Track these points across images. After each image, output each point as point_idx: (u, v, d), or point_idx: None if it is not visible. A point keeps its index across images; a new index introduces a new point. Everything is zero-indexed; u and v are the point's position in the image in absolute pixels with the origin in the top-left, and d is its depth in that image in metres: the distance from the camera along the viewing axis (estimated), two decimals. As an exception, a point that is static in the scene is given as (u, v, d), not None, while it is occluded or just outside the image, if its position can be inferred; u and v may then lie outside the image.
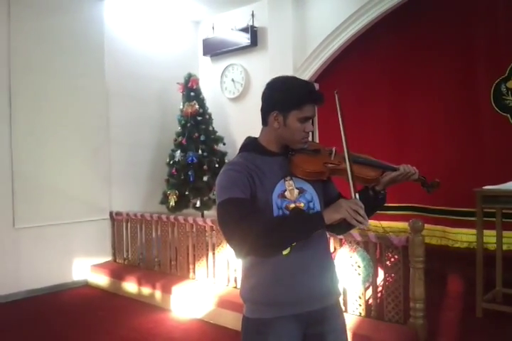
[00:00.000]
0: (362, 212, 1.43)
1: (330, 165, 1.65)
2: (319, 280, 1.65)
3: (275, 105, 1.62)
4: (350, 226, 1.74)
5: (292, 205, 1.61)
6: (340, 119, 1.63)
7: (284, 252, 1.58)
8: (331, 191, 1.79)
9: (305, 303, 1.61)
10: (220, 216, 1.55)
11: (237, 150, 5.00)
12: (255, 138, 1.73)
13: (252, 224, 1.47)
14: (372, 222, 4.71)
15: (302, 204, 1.63)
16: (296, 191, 1.63)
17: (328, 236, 1.80)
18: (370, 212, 1.75)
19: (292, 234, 1.50)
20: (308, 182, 1.66)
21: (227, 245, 1.56)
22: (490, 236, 3.83)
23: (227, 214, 1.53)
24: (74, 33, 5.26)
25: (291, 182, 1.64)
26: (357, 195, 1.51)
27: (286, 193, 1.62)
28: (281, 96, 1.61)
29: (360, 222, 1.43)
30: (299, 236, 1.52)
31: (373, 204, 1.71)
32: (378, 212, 1.82)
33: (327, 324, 1.66)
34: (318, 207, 1.67)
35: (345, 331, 1.74)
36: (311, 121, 1.66)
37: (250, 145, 1.72)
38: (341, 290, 2.64)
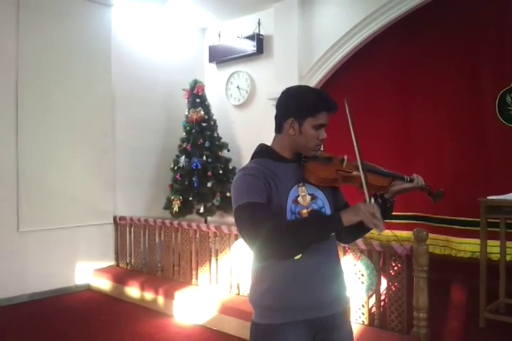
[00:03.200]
0: (378, 215, 1.48)
1: (342, 173, 1.69)
2: (330, 286, 1.67)
3: (291, 112, 1.66)
4: (359, 234, 1.77)
5: (305, 211, 1.64)
6: (351, 127, 1.67)
7: (296, 257, 1.60)
8: (339, 200, 1.82)
9: (316, 309, 1.63)
10: (239, 220, 1.58)
11: (242, 157, 5.03)
12: (268, 145, 1.77)
13: (274, 227, 1.50)
14: (392, 232, 4.74)
15: None
16: (308, 197, 1.67)
17: (336, 243, 1.82)
18: None
19: (312, 235, 1.54)
20: (319, 189, 1.70)
21: (247, 247, 1.58)
22: (493, 247, 3.84)
23: (246, 218, 1.55)
24: (81, 38, 5.31)
25: (303, 188, 1.67)
26: (372, 200, 1.56)
27: (299, 199, 1.65)
28: (297, 103, 1.65)
29: (377, 225, 1.47)
30: (319, 237, 1.56)
31: (382, 212, 1.74)
32: None
33: (336, 330, 1.68)
34: (329, 214, 1.70)
35: (353, 338, 1.76)
36: (324, 129, 1.69)
37: (264, 151, 1.75)
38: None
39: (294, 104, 1.66)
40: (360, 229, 1.58)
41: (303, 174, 1.68)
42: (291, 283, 1.60)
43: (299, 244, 1.54)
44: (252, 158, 1.76)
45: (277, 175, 1.64)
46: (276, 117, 1.74)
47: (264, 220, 1.51)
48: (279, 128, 1.72)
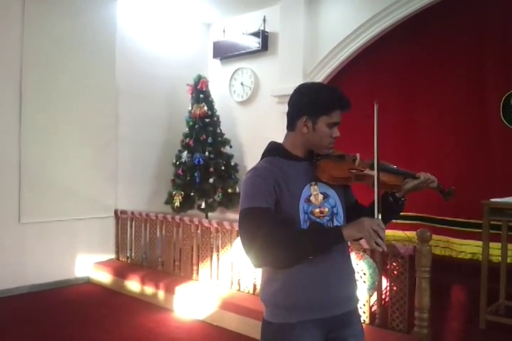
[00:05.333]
0: (382, 234, 1.43)
1: (355, 171, 1.68)
2: (343, 285, 1.67)
3: (305, 110, 1.64)
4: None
5: (317, 210, 1.63)
6: (375, 131, 1.64)
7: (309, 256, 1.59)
8: (349, 197, 1.82)
9: (329, 308, 1.63)
10: (241, 225, 1.57)
11: (244, 154, 5.06)
12: (280, 143, 1.75)
13: (272, 238, 1.49)
14: (396, 233, 4.77)
15: (327, 209, 1.65)
16: (320, 196, 1.66)
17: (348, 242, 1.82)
18: (387, 219, 1.77)
19: (310, 248, 1.52)
20: (331, 187, 1.69)
21: (243, 252, 1.55)
22: (494, 249, 3.87)
23: (248, 224, 1.55)
24: (86, 31, 5.29)
25: (316, 187, 1.66)
26: (379, 215, 1.52)
27: (312, 198, 1.64)
28: (311, 101, 1.63)
29: (378, 245, 1.42)
30: (317, 251, 1.54)
31: (392, 211, 1.74)
32: None
33: (348, 328, 1.68)
34: (341, 213, 1.70)
35: (364, 336, 1.75)
36: (337, 127, 1.67)
37: (275, 150, 1.73)
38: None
39: (308, 102, 1.64)
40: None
41: (315, 172, 1.67)
42: (303, 282, 1.60)
43: (295, 256, 1.53)
44: (263, 156, 1.74)
45: (289, 174, 1.63)
46: (288, 114, 1.71)
47: (264, 229, 1.50)
48: (291, 126, 1.70)
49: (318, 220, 1.63)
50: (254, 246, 1.51)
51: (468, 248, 4.46)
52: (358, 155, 1.75)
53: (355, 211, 1.76)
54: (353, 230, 1.47)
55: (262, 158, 1.74)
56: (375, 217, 1.51)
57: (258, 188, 1.58)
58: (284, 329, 1.61)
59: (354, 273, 1.77)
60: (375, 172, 1.60)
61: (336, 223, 1.67)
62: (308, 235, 1.54)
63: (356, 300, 1.76)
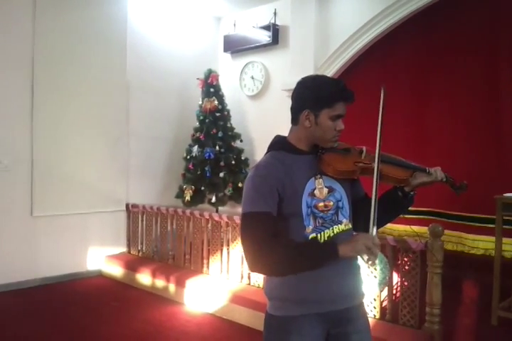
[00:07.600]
0: (375, 250, 1.45)
1: (360, 165, 1.66)
2: (347, 280, 1.66)
3: (307, 104, 1.62)
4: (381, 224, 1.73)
5: (321, 204, 1.62)
6: (380, 116, 1.62)
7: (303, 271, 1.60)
8: (358, 191, 1.80)
9: (331, 302, 1.62)
10: (242, 231, 1.58)
11: (254, 148, 5.06)
12: (284, 137, 1.74)
13: (272, 251, 1.51)
14: (403, 227, 4.75)
15: (331, 203, 1.64)
16: (325, 190, 1.64)
17: None
18: (396, 213, 1.77)
19: (306, 264, 1.54)
20: (337, 181, 1.67)
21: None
22: (507, 244, 3.83)
23: (249, 232, 1.55)
24: (97, 26, 5.30)
25: (320, 180, 1.64)
26: (374, 230, 1.51)
27: (316, 191, 1.62)
28: (313, 94, 1.61)
29: (370, 260, 1.47)
30: (313, 267, 1.56)
31: (401, 206, 1.73)
32: None
33: (351, 324, 1.67)
34: (347, 207, 1.68)
35: (369, 331, 1.74)
36: (341, 119, 1.65)
37: (279, 143, 1.72)
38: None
39: (309, 95, 1.62)
40: (383, 219, 1.64)
41: (320, 166, 1.65)
42: (306, 275, 1.58)
43: (288, 270, 1.56)
44: (268, 150, 1.74)
45: (292, 168, 1.62)
46: (291, 108, 1.70)
47: (265, 239, 1.52)
48: (294, 120, 1.69)
49: (321, 214, 1.62)
50: (250, 253, 1.54)
51: (480, 243, 4.42)
52: (364, 148, 1.72)
53: (363, 205, 1.73)
54: (348, 249, 1.49)
55: (267, 152, 1.74)
56: (370, 232, 1.51)
57: (258, 190, 1.58)
58: (286, 322, 1.62)
59: (359, 268, 1.75)
60: (375, 168, 1.58)
61: (340, 217, 1.66)
62: (306, 253, 1.53)
63: (361, 296, 1.74)
